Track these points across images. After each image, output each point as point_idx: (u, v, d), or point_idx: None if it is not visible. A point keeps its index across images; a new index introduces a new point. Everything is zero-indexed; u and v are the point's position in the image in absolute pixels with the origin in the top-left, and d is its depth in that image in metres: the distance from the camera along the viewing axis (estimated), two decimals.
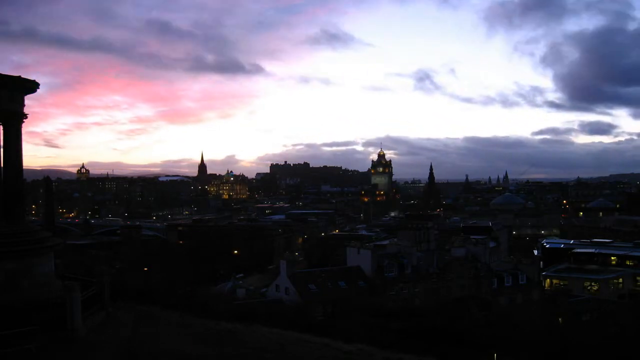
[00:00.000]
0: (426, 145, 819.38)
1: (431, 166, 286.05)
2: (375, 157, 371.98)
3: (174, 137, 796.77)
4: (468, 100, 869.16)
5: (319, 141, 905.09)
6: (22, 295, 16.10)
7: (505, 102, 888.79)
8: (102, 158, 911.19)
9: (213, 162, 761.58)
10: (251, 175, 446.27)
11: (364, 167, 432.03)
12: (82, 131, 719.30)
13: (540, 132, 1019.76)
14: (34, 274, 16.99)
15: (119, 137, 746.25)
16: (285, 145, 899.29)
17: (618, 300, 62.65)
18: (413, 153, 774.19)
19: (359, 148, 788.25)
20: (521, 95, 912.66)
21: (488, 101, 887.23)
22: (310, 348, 18.54)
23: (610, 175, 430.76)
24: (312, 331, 22.82)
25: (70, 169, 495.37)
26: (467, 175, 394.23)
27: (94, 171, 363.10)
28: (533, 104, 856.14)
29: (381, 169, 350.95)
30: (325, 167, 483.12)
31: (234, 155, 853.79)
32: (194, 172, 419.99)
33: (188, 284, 43.36)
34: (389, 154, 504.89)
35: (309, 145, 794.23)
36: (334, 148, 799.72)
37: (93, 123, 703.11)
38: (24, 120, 18.18)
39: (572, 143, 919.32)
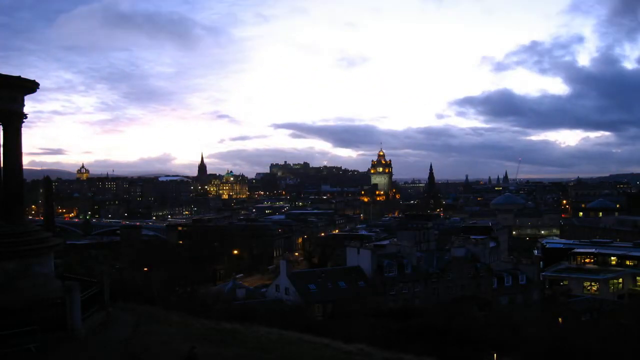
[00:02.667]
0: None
1: (431, 166, 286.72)
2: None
3: None
4: None
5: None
6: (22, 295, 16.07)
7: None
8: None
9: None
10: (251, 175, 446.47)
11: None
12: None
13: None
14: (34, 274, 16.96)
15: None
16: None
17: (618, 300, 62.79)
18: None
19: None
20: None
21: None
22: (310, 348, 18.53)
23: (610, 175, 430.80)
24: (312, 331, 22.84)
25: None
26: (467, 175, 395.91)
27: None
28: None
29: (381, 169, 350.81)
30: (324, 166, 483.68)
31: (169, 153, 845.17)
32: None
33: (188, 284, 43.48)
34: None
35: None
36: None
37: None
38: (24, 120, 18.23)
39: None
